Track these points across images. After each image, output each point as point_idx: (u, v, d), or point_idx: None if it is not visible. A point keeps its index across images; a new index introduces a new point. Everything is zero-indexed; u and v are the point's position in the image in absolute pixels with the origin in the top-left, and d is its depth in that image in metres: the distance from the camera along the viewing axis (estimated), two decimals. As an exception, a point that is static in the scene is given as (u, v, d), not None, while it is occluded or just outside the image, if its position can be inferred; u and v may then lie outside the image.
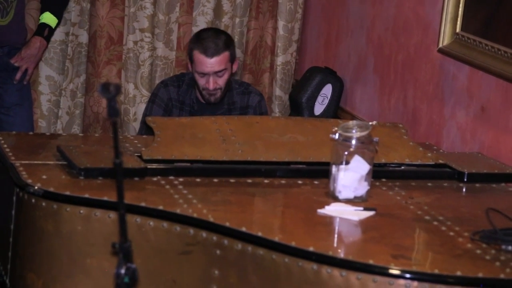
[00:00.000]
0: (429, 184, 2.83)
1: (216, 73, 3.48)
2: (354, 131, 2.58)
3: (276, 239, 2.28)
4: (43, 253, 2.49)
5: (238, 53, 4.48)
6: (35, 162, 2.75)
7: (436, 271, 2.16)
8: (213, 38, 3.49)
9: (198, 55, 3.48)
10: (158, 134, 2.80)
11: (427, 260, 2.31)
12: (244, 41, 4.50)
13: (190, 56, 3.53)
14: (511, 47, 3.05)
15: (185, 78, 3.63)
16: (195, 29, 4.42)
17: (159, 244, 2.42)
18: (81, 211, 2.45)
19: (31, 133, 3.62)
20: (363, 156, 2.58)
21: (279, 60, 4.54)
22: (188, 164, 2.75)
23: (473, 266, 2.20)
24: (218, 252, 2.35)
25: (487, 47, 3.17)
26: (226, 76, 3.51)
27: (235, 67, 3.58)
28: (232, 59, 3.53)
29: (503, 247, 2.29)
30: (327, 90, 4.25)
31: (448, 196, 2.76)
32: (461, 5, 3.32)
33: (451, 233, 2.40)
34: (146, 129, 3.34)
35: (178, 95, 3.59)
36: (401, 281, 2.14)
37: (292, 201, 2.67)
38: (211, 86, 3.48)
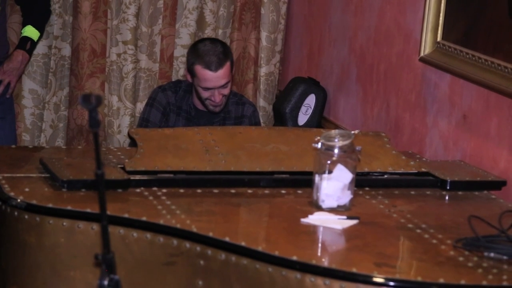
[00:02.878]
0: (412, 192, 2.84)
1: (222, 86, 3.48)
2: (336, 140, 2.59)
3: (260, 248, 2.28)
4: (26, 266, 2.48)
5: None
6: (18, 175, 2.74)
7: (419, 279, 2.17)
8: (214, 50, 3.47)
9: (201, 70, 3.46)
10: (141, 146, 2.80)
11: (410, 268, 2.32)
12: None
13: (191, 70, 3.51)
14: (491, 55, 3.07)
15: (182, 85, 3.63)
16: (178, 41, 4.43)
17: (142, 255, 2.42)
18: (64, 224, 2.45)
19: (13, 146, 3.61)
20: (345, 165, 2.59)
21: (263, 71, 4.55)
22: (171, 175, 2.75)
23: (456, 273, 2.20)
24: (201, 262, 2.35)
25: (467, 56, 3.20)
26: (230, 85, 3.53)
27: (233, 74, 3.61)
28: (232, 68, 3.54)
29: (486, 254, 2.30)
30: (311, 100, 4.26)
31: (431, 204, 2.77)
32: (441, 15, 3.34)
33: (434, 241, 2.41)
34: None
35: (175, 100, 3.60)
36: (385, 289, 2.15)
37: (275, 210, 2.67)
38: (217, 99, 3.49)
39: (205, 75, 3.46)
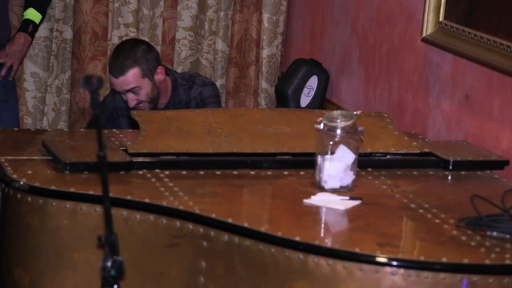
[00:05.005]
0: (415, 172, 2.84)
1: (129, 90, 3.40)
2: (338, 120, 2.58)
3: (263, 229, 2.28)
4: (29, 248, 2.49)
5: (224, 46, 4.48)
6: (20, 157, 2.74)
7: (422, 258, 2.17)
8: (122, 55, 3.37)
9: (108, 73, 3.44)
10: (143, 128, 2.80)
11: (413, 247, 2.33)
12: (229, 35, 4.50)
13: None
14: (494, 34, 3.06)
15: None
16: (180, 24, 4.42)
17: (145, 237, 2.42)
18: (67, 206, 2.45)
19: (16, 129, 3.61)
20: (348, 145, 2.59)
21: (265, 53, 4.54)
22: (174, 157, 2.75)
23: (459, 252, 2.21)
24: (205, 244, 2.35)
25: (470, 35, 3.19)
26: (144, 91, 3.40)
27: (159, 77, 3.44)
28: (147, 73, 3.40)
29: (488, 233, 2.30)
30: (313, 82, 4.25)
31: (433, 184, 2.77)
32: (443, -6, 3.34)
33: (437, 221, 2.41)
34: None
35: (125, 103, 3.48)
36: (388, 269, 2.15)
37: (278, 192, 2.67)
38: (130, 103, 3.40)
39: (111, 79, 3.41)
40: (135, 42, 3.55)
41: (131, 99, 3.40)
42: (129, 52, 3.41)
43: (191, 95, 3.52)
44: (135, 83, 3.39)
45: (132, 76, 3.38)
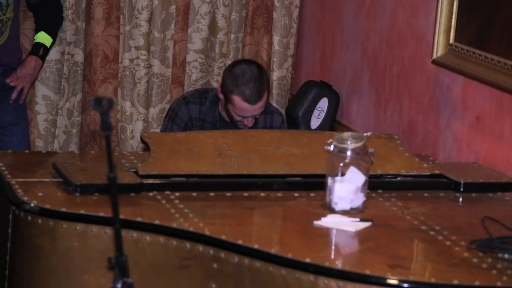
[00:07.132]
0: (426, 194, 2.84)
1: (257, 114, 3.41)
2: (349, 142, 2.58)
3: (273, 251, 2.28)
4: (40, 270, 2.49)
5: (234, 69, 4.49)
6: (31, 180, 2.75)
7: (433, 280, 2.16)
8: (254, 82, 3.34)
9: (239, 102, 3.33)
10: (153, 150, 2.81)
11: (424, 269, 2.32)
12: (240, 57, 4.51)
13: (228, 97, 3.37)
14: (504, 56, 3.06)
15: (208, 95, 3.50)
16: (191, 46, 4.44)
17: (156, 258, 2.42)
18: (78, 228, 2.45)
19: (27, 151, 3.62)
20: (358, 167, 2.58)
21: (275, 75, 4.55)
22: (184, 179, 2.75)
23: (470, 274, 2.20)
24: (215, 265, 2.35)
25: (480, 57, 3.19)
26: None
27: None
28: (269, 92, 3.45)
29: (500, 255, 2.29)
30: (323, 104, 4.26)
31: (444, 206, 2.76)
32: (454, 16, 3.34)
33: (448, 243, 2.40)
34: None
35: (199, 113, 3.47)
36: (398, 291, 2.14)
37: (288, 213, 2.67)
38: (249, 124, 3.39)
39: (242, 106, 3.34)
40: (257, 66, 3.47)
41: (252, 120, 3.39)
42: (259, 77, 3.36)
43: (274, 123, 3.53)
44: (264, 106, 3.41)
45: (264, 99, 3.38)
